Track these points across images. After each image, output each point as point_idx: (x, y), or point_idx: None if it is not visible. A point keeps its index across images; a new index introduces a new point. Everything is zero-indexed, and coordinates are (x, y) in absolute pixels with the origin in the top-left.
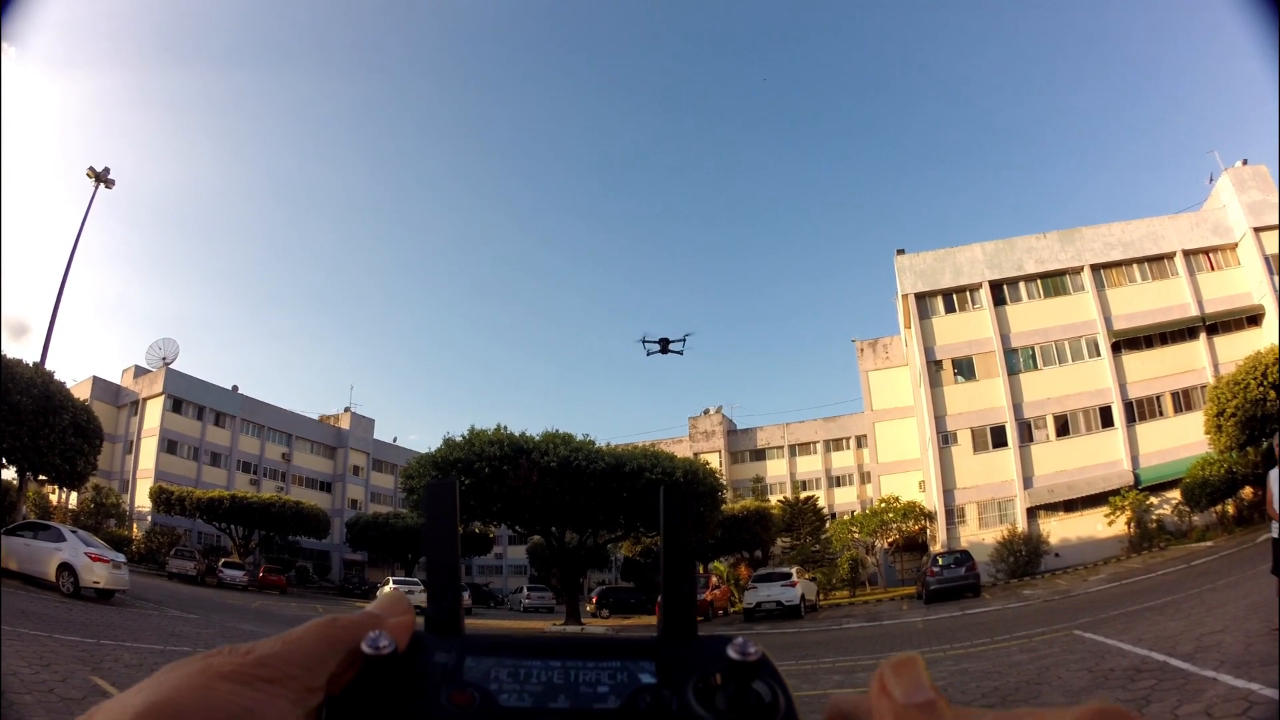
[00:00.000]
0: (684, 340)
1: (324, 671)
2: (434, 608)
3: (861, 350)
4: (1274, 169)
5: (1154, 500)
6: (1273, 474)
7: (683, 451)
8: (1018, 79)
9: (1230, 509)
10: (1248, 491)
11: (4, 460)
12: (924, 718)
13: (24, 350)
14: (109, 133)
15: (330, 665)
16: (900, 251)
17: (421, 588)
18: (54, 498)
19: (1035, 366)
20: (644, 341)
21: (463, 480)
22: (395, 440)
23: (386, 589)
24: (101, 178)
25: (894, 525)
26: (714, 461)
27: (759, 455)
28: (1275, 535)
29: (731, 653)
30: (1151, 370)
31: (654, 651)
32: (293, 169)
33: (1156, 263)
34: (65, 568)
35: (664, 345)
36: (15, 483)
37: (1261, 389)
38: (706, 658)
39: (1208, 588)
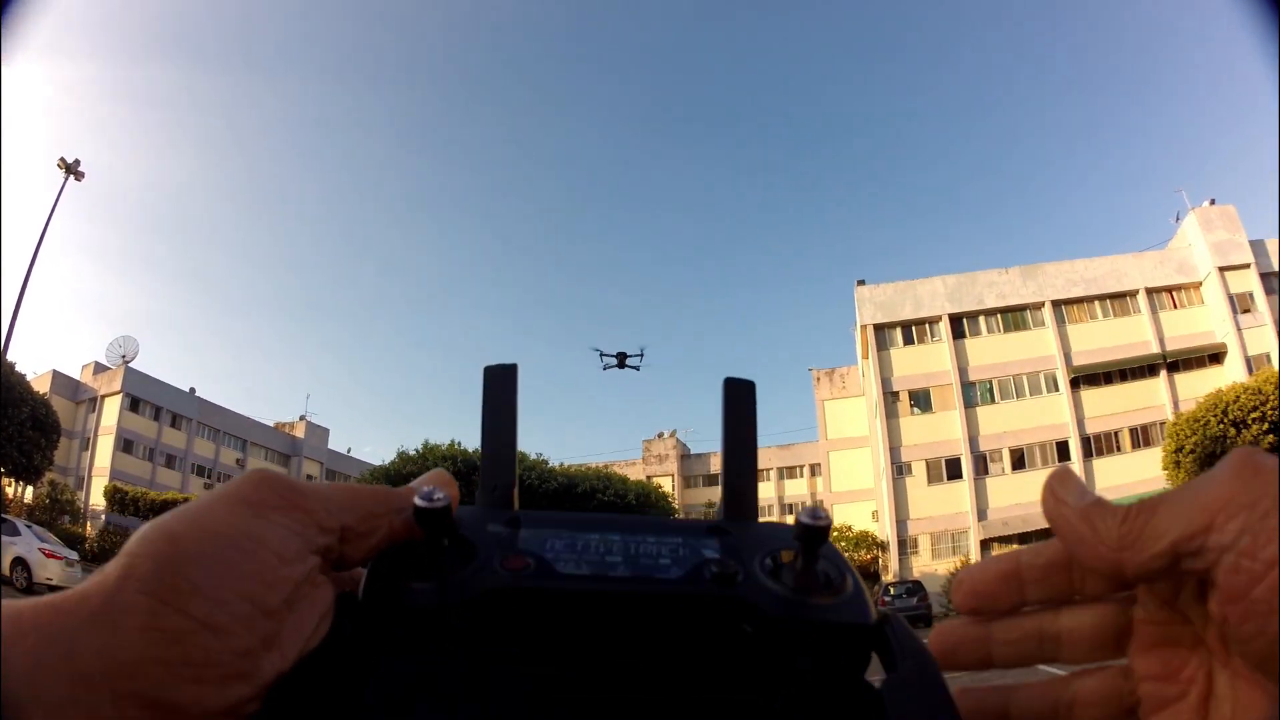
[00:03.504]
0: (640, 355)
1: (340, 513)
2: (488, 484)
3: (818, 379)
4: (1273, 186)
5: None
6: None
7: (636, 474)
8: (985, 110)
9: None
10: None
11: None
12: (1101, 512)
13: None
14: (82, 125)
15: (350, 511)
16: (860, 282)
17: None
18: (10, 491)
19: (993, 400)
20: (600, 354)
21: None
22: (349, 451)
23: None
24: (72, 169)
25: (846, 554)
26: (667, 485)
27: (712, 480)
28: None
29: (803, 518)
30: (1110, 406)
31: (717, 530)
32: (267, 174)
33: (1119, 300)
34: (20, 562)
35: (621, 360)
36: None
37: (1222, 426)
38: (770, 536)
39: None
